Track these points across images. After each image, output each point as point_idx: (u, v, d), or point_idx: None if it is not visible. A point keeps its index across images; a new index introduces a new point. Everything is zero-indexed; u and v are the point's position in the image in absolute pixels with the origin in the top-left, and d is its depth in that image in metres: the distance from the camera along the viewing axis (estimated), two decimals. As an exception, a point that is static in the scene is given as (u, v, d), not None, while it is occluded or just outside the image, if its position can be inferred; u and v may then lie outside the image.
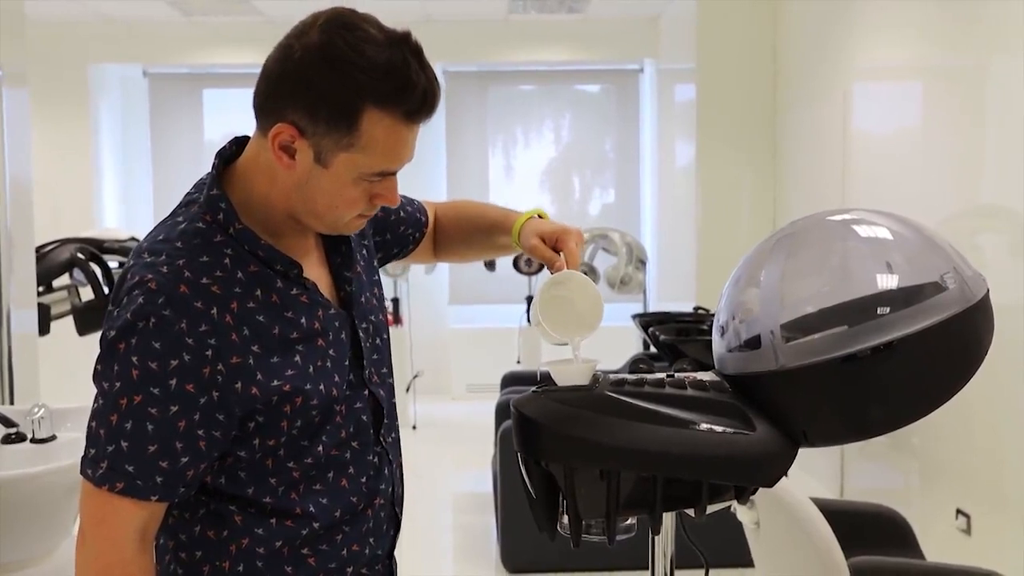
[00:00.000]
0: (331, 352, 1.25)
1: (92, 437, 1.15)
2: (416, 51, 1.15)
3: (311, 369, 1.21)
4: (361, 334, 1.31)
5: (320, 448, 1.24)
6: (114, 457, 1.13)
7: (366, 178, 1.18)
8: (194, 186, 1.28)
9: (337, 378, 1.25)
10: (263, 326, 1.18)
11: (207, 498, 1.23)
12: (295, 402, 1.19)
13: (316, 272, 1.29)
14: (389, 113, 1.13)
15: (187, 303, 1.13)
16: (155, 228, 1.24)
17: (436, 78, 1.18)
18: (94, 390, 1.17)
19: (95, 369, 1.16)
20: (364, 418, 1.30)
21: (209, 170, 1.25)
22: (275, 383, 1.17)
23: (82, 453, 1.17)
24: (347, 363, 1.27)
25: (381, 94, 1.12)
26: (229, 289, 1.17)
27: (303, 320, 1.22)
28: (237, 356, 1.15)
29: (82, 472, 1.16)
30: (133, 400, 1.12)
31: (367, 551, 1.31)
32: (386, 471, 1.34)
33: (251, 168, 1.22)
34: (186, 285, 1.14)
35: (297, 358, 1.20)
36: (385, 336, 1.39)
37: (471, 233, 1.58)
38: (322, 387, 1.22)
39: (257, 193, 1.22)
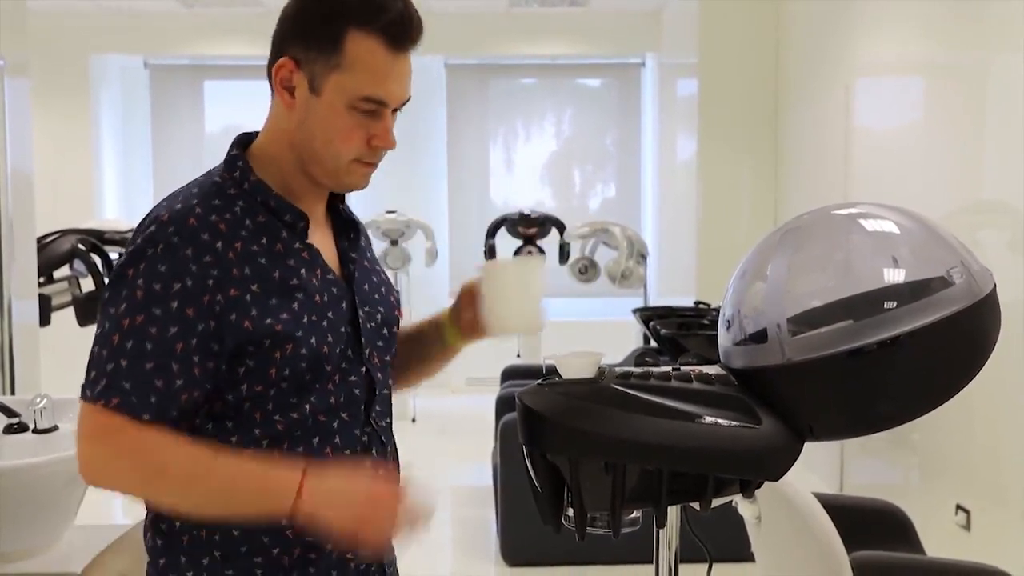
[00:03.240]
0: (329, 314, 1.28)
1: (94, 360, 1.19)
2: None
3: (305, 319, 1.24)
4: (362, 315, 1.33)
5: (307, 407, 1.26)
6: (113, 375, 1.17)
7: (356, 105, 1.24)
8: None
9: (330, 338, 1.27)
10: (264, 268, 1.23)
11: None
12: (285, 348, 1.22)
13: (323, 244, 1.34)
14: (370, 34, 1.23)
15: (194, 233, 1.20)
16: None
17: (415, 8, 1.27)
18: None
19: (103, 299, 1.21)
20: (357, 392, 1.31)
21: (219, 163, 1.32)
22: (268, 321, 1.21)
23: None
24: (343, 331, 1.30)
25: (361, 15, 1.22)
26: (235, 231, 1.23)
27: (303, 271, 1.27)
28: (236, 289, 1.20)
29: (80, 395, 1.20)
30: (135, 320, 1.17)
31: None
32: (374, 451, 1.34)
33: (265, 139, 1.31)
34: (195, 219, 1.21)
35: (295, 305, 1.24)
36: (394, 329, 1.42)
37: (405, 356, 1.53)
38: (313, 340, 1.24)
39: (272, 155, 1.30)
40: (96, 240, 4.12)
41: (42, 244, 3.79)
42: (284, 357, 1.22)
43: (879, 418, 1.21)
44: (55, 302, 3.77)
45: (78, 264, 4.00)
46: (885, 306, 1.17)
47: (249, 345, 1.21)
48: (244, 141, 1.34)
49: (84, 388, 1.20)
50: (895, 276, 1.21)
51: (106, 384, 1.17)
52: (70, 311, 3.90)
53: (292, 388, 1.24)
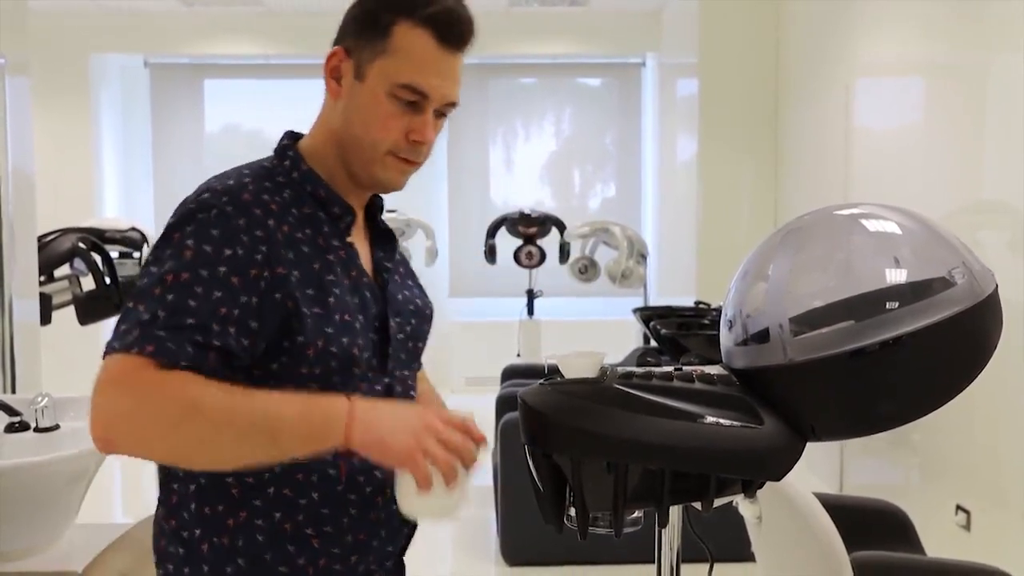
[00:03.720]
0: (359, 316, 1.25)
1: (126, 314, 1.13)
2: None
3: (336, 317, 1.21)
4: (392, 325, 1.31)
5: None
6: (148, 324, 1.10)
7: (397, 93, 1.23)
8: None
9: (360, 341, 1.24)
10: (306, 257, 1.21)
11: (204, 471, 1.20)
12: (317, 344, 1.19)
13: (360, 248, 1.32)
14: (417, 24, 1.24)
15: (248, 207, 1.19)
16: None
17: (467, 9, 1.29)
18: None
19: (145, 262, 1.19)
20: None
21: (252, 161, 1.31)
22: (304, 309, 1.18)
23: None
24: (371, 337, 1.27)
25: (410, 5, 1.24)
26: (284, 215, 1.22)
27: (339, 269, 1.25)
28: (283, 268, 1.18)
29: (106, 350, 1.11)
30: (180, 276, 1.13)
31: (375, 543, 1.28)
32: None
33: (312, 136, 1.32)
34: (249, 194, 1.21)
35: (330, 299, 1.21)
36: (420, 344, 1.40)
37: None
38: (344, 340, 1.21)
39: (318, 152, 1.30)
40: (96, 239, 4.11)
41: (43, 243, 3.79)
42: (316, 354, 1.19)
43: (881, 418, 1.21)
44: (56, 301, 3.77)
45: (78, 263, 4.00)
46: (887, 306, 1.17)
47: (285, 340, 1.17)
48: (293, 136, 1.34)
49: (110, 343, 1.11)
50: (897, 276, 1.21)
51: (139, 334, 1.10)
52: (70, 310, 3.90)
53: (320, 391, 1.20)
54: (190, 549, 1.22)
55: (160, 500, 1.27)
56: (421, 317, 1.39)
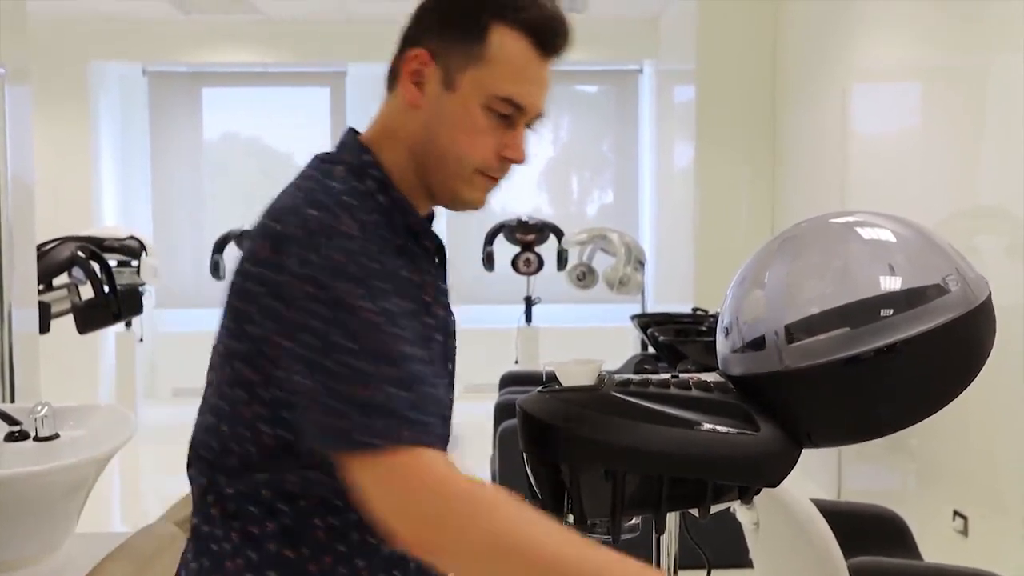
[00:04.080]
0: (438, 355, 1.15)
1: (356, 401, 0.97)
2: None
3: (435, 364, 1.12)
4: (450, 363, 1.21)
5: None
6: (397, 410, 0.97)
7: (493, 106, 1.12)
8: (315, 159, 1.18)
9: (445, 383, 1.15)
10: (414, 299, 1.10)
11: (287, 507, 1.09)
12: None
13: None
14: (517, 30, 1.11)
15: (384, 248, 1.06)
16: (288, 192, 1.10)
17: (565, 15, 1.15)
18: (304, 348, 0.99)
19: (293, 333, 1.00)
20: (445, 438, 1.16)
21: (326, 151, 1.18)
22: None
23: (329, 423, 0.98)
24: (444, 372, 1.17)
25: (509, 8, 1.11)
26: (394, 252, 1.10)
27: (433, 310, 1.14)
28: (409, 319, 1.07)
29: (352, 445, 0.97)
30: (394, 342, 1.00)
31: None
32: None
33: (376, 144, 1.16)
34: (371, 233, 1.06)
35: (433, 346, 1.12)
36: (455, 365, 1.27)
37: None
38: (439, 390, 1.09)
39: (385, 164, 1.15)
40: (95, 247, 4.12)
41: (42, 251, 3.80)
42: None
43: (876, 425, 1.22)
44: (55, 310, 3.78)
45: (77, 271, 4.01)
46: (882, 314, 1.18)
47: None
48: (359, 138, 1.18)
49: (361, 439, 0.97)
50: (892, 284, 1.22)
51: (406, 420, 0.97)
52: (69, 319, 3.91)
53: None
54: None
55: (215, 535, 1.13)
56: (453, 335, 1.25)
